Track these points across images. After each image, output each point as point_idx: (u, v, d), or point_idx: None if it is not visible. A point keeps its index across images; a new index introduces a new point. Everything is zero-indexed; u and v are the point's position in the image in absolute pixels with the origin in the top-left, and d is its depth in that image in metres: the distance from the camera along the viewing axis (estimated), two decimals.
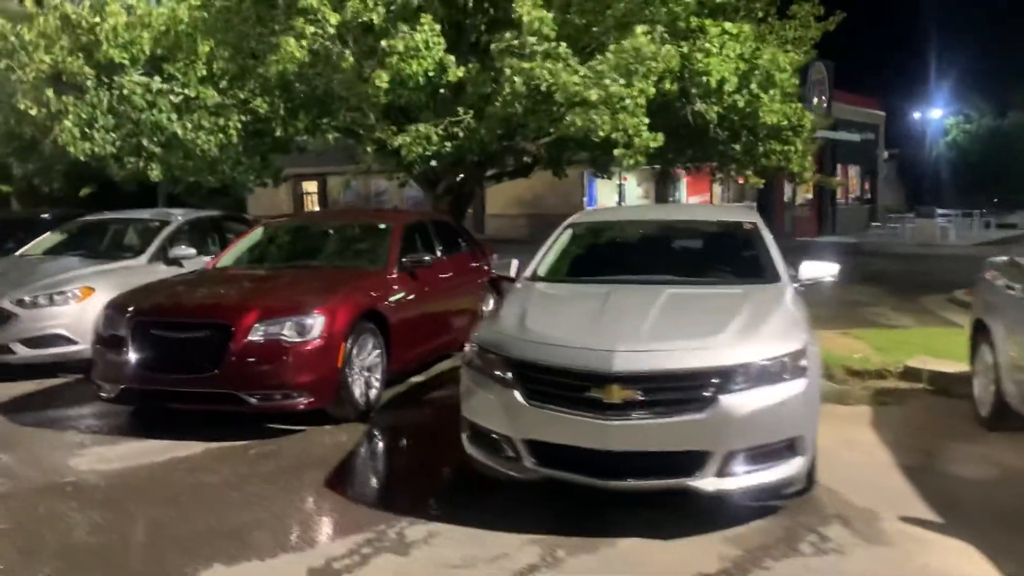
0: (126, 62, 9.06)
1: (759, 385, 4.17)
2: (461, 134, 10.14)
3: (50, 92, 8.90)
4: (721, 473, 4.16)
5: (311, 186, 43.48)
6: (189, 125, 9.22)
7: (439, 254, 8.26)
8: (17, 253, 9.60)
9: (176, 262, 9.21)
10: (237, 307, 6.10)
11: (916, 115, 53.53)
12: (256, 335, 5.93)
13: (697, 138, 11.43)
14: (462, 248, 9.12)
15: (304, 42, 9.17)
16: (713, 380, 4.14)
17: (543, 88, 8.80)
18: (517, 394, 4.36)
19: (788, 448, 4.29)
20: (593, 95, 8.40)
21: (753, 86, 9.83)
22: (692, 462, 4.17)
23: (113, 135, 9.15)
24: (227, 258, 7.82)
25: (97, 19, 8.86)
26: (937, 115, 61.13)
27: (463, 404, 4.75)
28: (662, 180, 33.34)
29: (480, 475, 4.77)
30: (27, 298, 7.99)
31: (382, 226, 7.92)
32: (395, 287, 7.16)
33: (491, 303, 9.29)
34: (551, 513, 4.51)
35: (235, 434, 6.06)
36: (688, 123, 10.73)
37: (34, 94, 9.11)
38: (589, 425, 4.16)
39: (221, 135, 9.42)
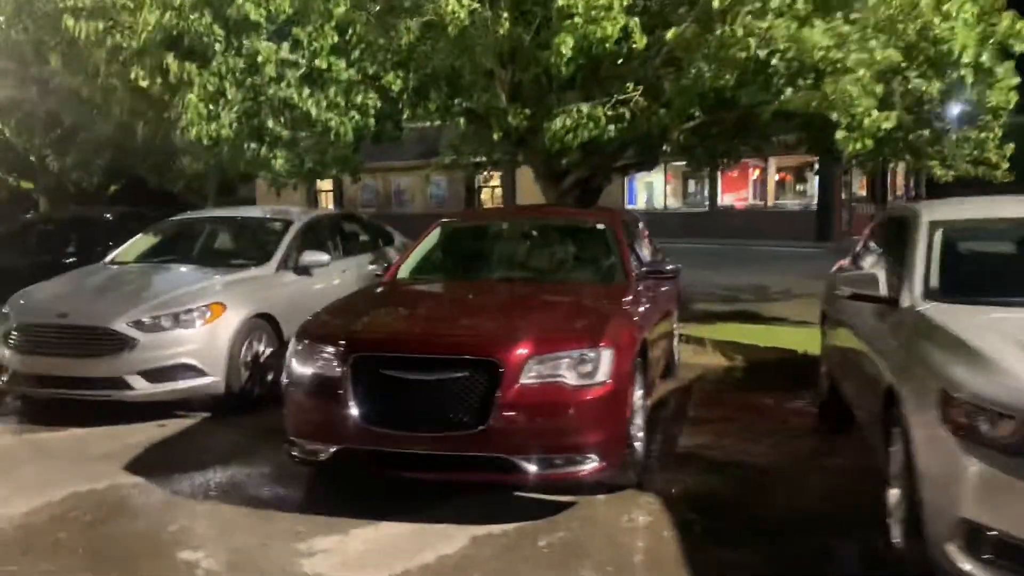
0: (261, 20, 7.30)
1: None
2: (628, 114, 8.54)
3: (170, 58, 7.14)
4: None
5: (325, 184, 41.65)
6: (324, 103, 7.51)
7: (651, 260, 6.66)
8: (107, 260, 7.87)
9: (306, 271, 7.57)
10: (502, 338, 4.44)
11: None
12: (529, 376, 4.29)
13: None
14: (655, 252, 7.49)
15: (465, 1, 7.52)
16: None
17: (762, 54, 7.18)
18: None
19: None
20: (851, 60, 6.76)
21: (984, 58, 8.23)
22: None
23: (233, 114, 7.39)
24: (408, 267, 6.14)
25: None
26: None
27: (960, 499, 3.09)
28: (710, 175, 31.72)
29: None
30: (146, 319, 6.29)
31: (599, 226, 6.27)
32: (641, 306, 5.55)
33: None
34: None
35: (483, 510, 4.43)
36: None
37: (146, 62, 7.34)
38: None
39: (357, 116, 7.72)
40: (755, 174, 34.78)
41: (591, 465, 4.33)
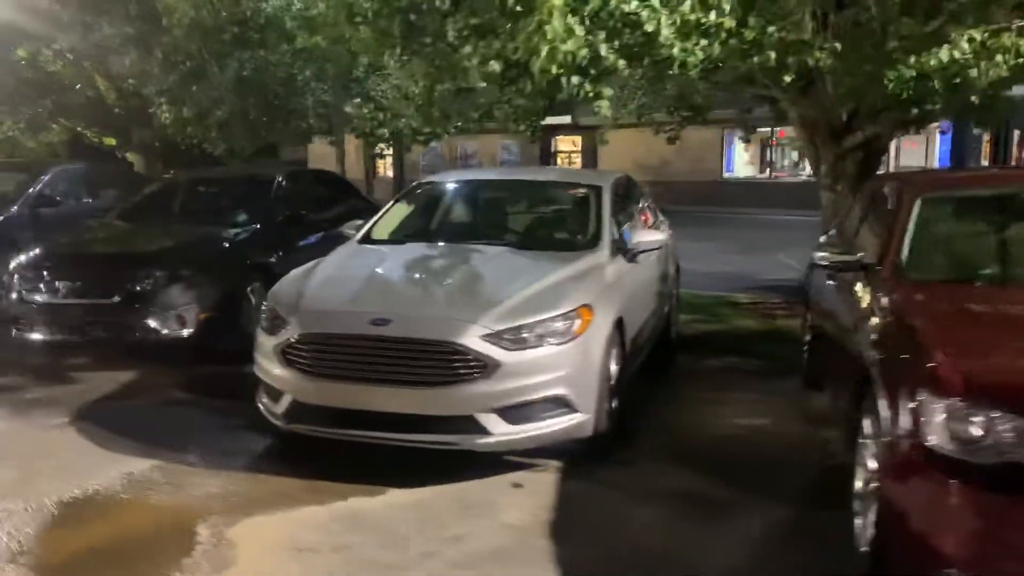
0: None
1: None
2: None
3: None
4: None
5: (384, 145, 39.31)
6: (677, 21, 5.27)
7: None
8: (356, 238, 5.80)
9: (634, 256, 5.53)
10: None
11: None
12: None
13: None
14: None
15: None
16: None
17: None
18: None
19: None
20: None
21: None
22: None
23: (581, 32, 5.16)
24: (907, 256, 4.02)
25: None
26: None
27: None
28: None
29: None
30: (507, 331, 4.23)
31: None
32: None
33: None
34: None
35: None
36: None
37: None
38: None
39: (704, 42, 5.50)
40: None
41: None
